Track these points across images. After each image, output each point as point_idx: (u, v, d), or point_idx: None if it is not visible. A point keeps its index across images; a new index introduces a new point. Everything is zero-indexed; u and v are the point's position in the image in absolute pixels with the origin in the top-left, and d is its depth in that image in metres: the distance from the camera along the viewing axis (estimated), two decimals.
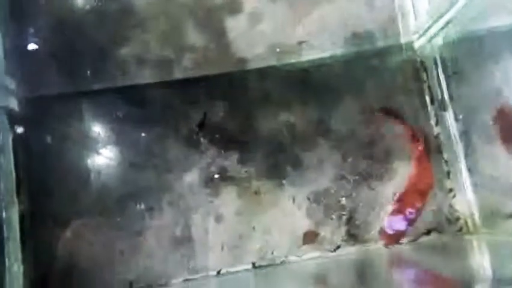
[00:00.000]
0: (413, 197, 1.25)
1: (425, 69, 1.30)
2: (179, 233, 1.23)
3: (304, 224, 1.25)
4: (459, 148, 1.26)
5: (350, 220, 1.26)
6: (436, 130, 1.29)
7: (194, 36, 1.30)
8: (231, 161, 1.27)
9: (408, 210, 1.24)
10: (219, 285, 1.22)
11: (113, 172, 1.25)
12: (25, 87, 1.24)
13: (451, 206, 1.26)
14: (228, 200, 1.25)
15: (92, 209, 1.23)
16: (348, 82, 1.31)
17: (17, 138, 1.21)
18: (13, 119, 1.21)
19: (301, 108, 1.29)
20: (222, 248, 1.23)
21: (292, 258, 1.24)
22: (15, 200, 1.18)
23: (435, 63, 1.28)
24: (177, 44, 1.30)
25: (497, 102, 1.16)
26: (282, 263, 1.23)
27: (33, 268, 1.18)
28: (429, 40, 1.28)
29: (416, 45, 1.31)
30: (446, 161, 1.28)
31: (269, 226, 1.25)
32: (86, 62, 1.27)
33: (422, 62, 1.31)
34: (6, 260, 1.12)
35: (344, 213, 1.26)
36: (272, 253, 1.24)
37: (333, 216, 1.26)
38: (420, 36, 1.29)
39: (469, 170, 1.24)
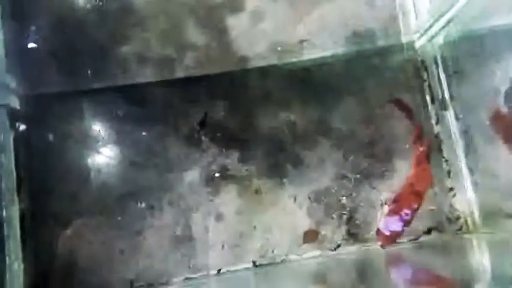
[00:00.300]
0: (409, 198, 1.25)
1: (426, 69, 1.31)
2: (179, 232, 1.23)
3: (305, 223, 1.25)
4: (459, 147, 1.26)
5: (350, 219, 1.26)
6: (437, 129, 1.29)
7: (195, 35, 1.30)
8: (231, 160, 1.27)
9: (405, 211, 1.24)
10: (220, 284, 1.22)
11: (113, 171, 1.25)
12: (26, 85, 1.24)
13: (451, 205, 1.26)
14: (229, 198, 1.25)
15: (93, 208, 1.23)
16: (349, 81, 1.31)
17: (17, 136, 1.21)
18: (14, 118, 1.21)
19: (302, 107, 1.29)
20: (223, 246, 1.23)
21: (292, 257, 1.24)
22: (16, 198, 1.18)
23: (436, 63, 1.28)
24: (178, 43, 1.30)
25: (492, 104, 1.16)
26: (283, 261, 1.23)
27: (33, 267, 1.18)
28: (430, 39, 1.28)
29: (417, 44, 1.31)
30: (446, 160, 1.28)
31: (270, 225, 1.25)
32: (87, 61, 1.27)
33: (422, 61, 1.31)
34: (7, 258, 1.12)
35: (344, 212, 1.26)
36: (273, 252, 1.24)
37: (334, 216, 1.26)
38: (421, 35, 1.29)
39: (469, 169, 1.24)
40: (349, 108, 1.30)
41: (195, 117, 1.28)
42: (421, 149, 1.27)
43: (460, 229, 1.25)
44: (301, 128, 1.29)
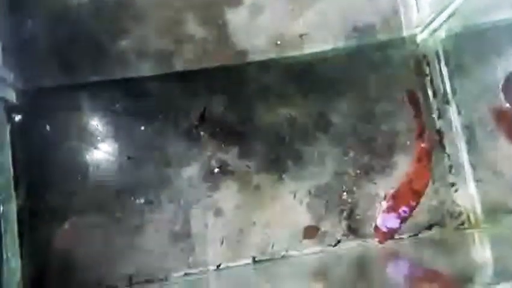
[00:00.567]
0: (408, 195, 1.24)
1: (428, 63, 1.29)
2: (178, 228, 1.22)
3: (305, 219, 1.24)
4: (461, 142, 1.25)
5: (350, 215, 1.25)
6: (439, 124, 1.28)
7: (194, 29, 1.29)
8: (231, 155, 1.26)
9: (403, 208, 1.23)
10: (219, 279, 1.22)
11: (111, 166, 1.24)
12: (23, 79, 1.23)
13: (453, 200, 1.26)
14: (228, 194, 1.24)
15: (91, 203, 1.22)
16: (350, 75, 1.30)
17: (14, 131, 1.20)
18: (11, 112, 1.20)
19: (302, 101, 1.28)
20: (222, 242, 1.23)
21: (292, 252, 1.23)
22: (13, 194, 1.17)
23: (438, 57, 1.27)
24: (177, 37, 1.28)
25: (494, 102, 1.16)
26: (283, 257, 1.23)
27: (31, 263, 1.17)
28: (432, 33, 1.27)
29: (419, 38, 1.30)
30: (448, 155, 1.27)
31: (269, 221, 1.24)
32: (85, 54, 1.25)
33: (424, 56, 1.30)
34: (4, 254, 1.11)
35: (344, 208, 1.25)
36: (272, 247, 1.23)
37: (334, 211, 1.25)
38: (423, 29, 1.28)
39: (472, 164, 1.24)
40: (349, 103, 1.29)
41: (194, 112, 1.26)
42: (422, 145, 1.26)
43: (462, 224, 1.25)
44: (301, 123, 1.28)
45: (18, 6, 1.25)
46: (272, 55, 1.29)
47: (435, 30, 1.25)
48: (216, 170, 1.25)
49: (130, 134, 1.25)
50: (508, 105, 1.20)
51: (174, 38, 1.28)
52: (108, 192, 1.22)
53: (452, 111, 1.26)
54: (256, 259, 1.23)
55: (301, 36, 1.30)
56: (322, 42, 1.30)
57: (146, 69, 1.27)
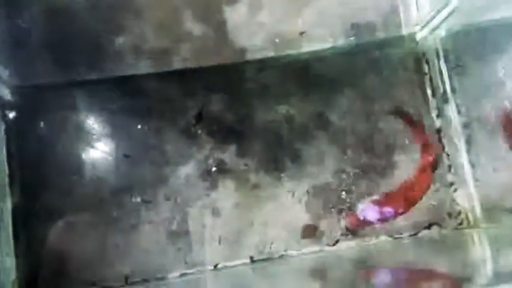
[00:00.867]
0: (399, 201, 1.23)
1: (427, 61, 1.29)
2: (175, 227, 1.21)
3: (304, 218, 1.24)
4: (461, 141, 1.24)
5: None
6: (438, 123, 1.28)
7: (192, 26, 1.28)
8: (229, 154, 1.25)
9: (388, 209, 1.21)
10: (217, 279, 1.21)
11: (108, 164, 1.23)
12: (18, 76, 1.22)
13: (452, 199, 1.25)
14: (226, 193, 1.24)
15: (87, 202, 1.21)
16: (349, 74, 1.29)
17: (9, 128, 1.19)
18: (5, 109, 1.19)
19: (301, 100, 1.27)
20: (220, 241, 1.22)
21: (291, 252, 1.22)
22: (8, 192, 1.16)
23: (438, 55, 1.26)
24: (174, 34, 1.27)
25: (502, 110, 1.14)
26: (281, 257, 1.22)
27: (26, 262, 1.16)
28: (432, 31, 1.26)
29: (418, 36, 1.30)
30: (447, 155, 1.27)
31: (267, 220, 1.23)
32: (81, 51, 1.24)
33: (424, 54, 1.29)
34: None
35: (343, 207, 1.24)
36: (270, 247, 1.22)
37: (333, 210, 1.24)
38: (423, 27, 1.27)
39: (471, 163, 1.23)
40: (348, 102, 1.28)
41: (191, 110, 1.26)
42: (430, 158, 1.25)
43: (461, 224, 1.24)
44: (300, 122, 1.27)
45: (13, 2, 1.24)
46: (271, 53, 1.28)
47: (434, 29, 1.25)
48: (214, 168, 1.24)
49: (127, 132, 1.24)
50: None
51: (172, 35, 1.27)
52: (104, 191, 1.21)
53: (452, 110, 1.26)
54: (254, 259, 1.22)
55: (300, 34, 1.29)
56: (321, 40, 1.29)
57: (143, 67, 1.25)
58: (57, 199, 1.20)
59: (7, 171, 1.17)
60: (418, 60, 1.29)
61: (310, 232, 1.23)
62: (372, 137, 1.27)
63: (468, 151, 1.23)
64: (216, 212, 1.23)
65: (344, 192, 1.25)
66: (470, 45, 1.23)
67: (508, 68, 1.16)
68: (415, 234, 1.24)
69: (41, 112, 1.22)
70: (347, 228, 1.22)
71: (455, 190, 1.25)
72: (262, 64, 1.28)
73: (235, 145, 1.25)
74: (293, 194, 1.24)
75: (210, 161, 1.25)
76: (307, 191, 1.24)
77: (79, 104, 1.24)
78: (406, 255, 1.23)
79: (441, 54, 1.26)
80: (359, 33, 1.30)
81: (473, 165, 1.23)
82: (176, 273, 1.20)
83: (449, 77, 1.25)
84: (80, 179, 1.21)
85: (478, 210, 1.22)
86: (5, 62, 1.20)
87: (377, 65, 1.29)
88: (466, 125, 1.24)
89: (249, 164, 1.25)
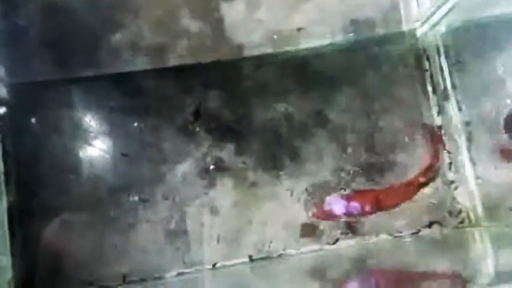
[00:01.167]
0: (368, 200, 1.20)
1: (428, 58, 1.28)
2: (173, 226, 1.21)
3: (303, 217, 1.22)
4: (462, 139, 1.23)
5: None
6: (438, 120, 1.26)
7: (189, 23, 1.27)
8: (227, 152, 1.24)
9: (355, 204, 1.19)
10: (215, 278, 1.20)
11: (105, 163, 1.22)
12: (14, 73, 1.21)
13: (453, 198, 1.24)
14: (224, 192, 1.23)
15: (84, 201, 1.20)
16: (348, 71, 1.28)
17: (5, 126, 1.18)
18: (1, 106, 1.18)
19: (300, 97, 1.26)
20: (218, 240, 1.21)
21: (290, 251, 1.21)
22: (4, 190, 1.15)
23: (438, 52, 1.25)
24: (172, 31, 1.26)
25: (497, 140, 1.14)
26: (280, 256, 1.21)
27: (22, 261, 1.15)
28: (432, 28, 1.25)
29: (418, 32, 1.28)
30: (448, 152, 1.25)
31: (266, 219, 1.22)
32: (77, 48, 1.23)
33: (424, 50, 1.28)
34: None
35: None
36: (269, 246, 1.21)
37: None
38: (423, 23, 1.26)
39: (472, 161, 1.22)
40: (348, 99, 1.27)
41: (189, 108, 1.25)
42: (421, 179, 1.22)
43: (462, 222, 1.23)
44: (299, 120, 1.26)
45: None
46: (269, 50, 1.27)
47: (435, 25, 1.24)
48: (212, 166, 1.23)
49: (124, 130, 1.23)
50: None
51: (169, 32, 1.26)
52: (101, 189, 1.20)
53: (452, 107, 1.25)
54: (252, 258, 1.21)
55: (298, 30, 1.28)
56: (320, 37, 1.28)
57: (140, 63, 1.25)
58: (54, 198, 1.19)
59: (3, 169, 1.16)
60: (418, 56, 1.28)
61: (310, 231, 1.22)
62: (372, 135, 1.26)
63: (469, 148, 1.22)
64: (214, 211, 1.22)
65: (343, 191, 1.24)
66: (470, 42, 1.22)
67: (508, 65, 1.15)
68: (416, 233, 1.23)
69: (37, 110, 1.21)
70: (313, 214, 1.20)
71: (456, 188, 1.24)
72: (260, 61, 1.27)
73: (234, 143, 1.24)
74: (292, 193, 1.23)
75: (208, 159, 1.24)
76: (306, 189, 1.23)
77: (76, 102, 1.23)
78: (406, 254, 1.22)
79: (441, 50, 1.25)
80: (358, 29, 1.29)
81: (474, 163, 1.22)
82: (174, 273, 1.19)
83: (450, 73, 1.24)
84: (77, 177, 1.20)
85: (479, 209, 1.21)
86: (1, 59, 1.19)
87: (376, 62, 1.28)
88: (466, 122, 1.23)
89: (247, 162, 1.24)
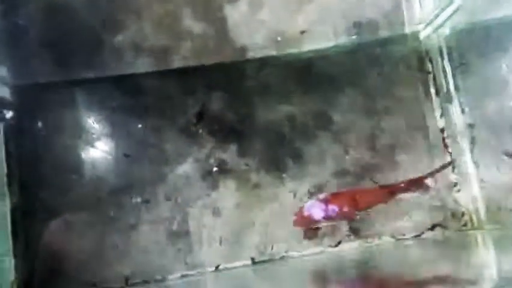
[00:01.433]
0: (346, 200, 1.17)
1: (431, 60, 1.28)
2: (176, 227, 1.20)
3: None
4: (464, 141, 1.23)
5: None
6: (441, 122, 1.26)
7: (192, 24, 1.27)
8: (230, 154, 1.24)
9: (333, 207, 1.17)
10: (217, 281, 1.20)
11: (107, 164, 1.22)
12: (16, 75, 1.21)
13: (455, 200, 1.24)
14: (227, 193, 1.22)
15: (86, 202, 1.20)
16: (351, 73, 1.28)
17: (7, 127, 1.17)
18: (3, 108, 1.18)
19: (302, 99, 1.26)
20: (220, 242, 1.20)
21: (292, 253, 1.21)
22: (6, 191, 1.15)
23: (441, 54, 1.25)
24: (174, 32, 1.26)
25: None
26: (282, 258, 1.21)
27: (24, 262, 1.15)
28: (435, 30, 1.25)
29: (422, 35, 1.28)
30: (450, 154, 1.25)
31: (269, 221, 1.22)
32: (80, 49, 1.23)
33: (427, 53, 1.28)
34: None
35: None
36: (272, 248, 1.21)
37: None
38: (426, 25, 1.26)
39: (475, 163, 1.22)
40: (350, 101, 1.27)
41: (192, 109, 1.24)
42: (401, 186, 1.19)
43: (465, 225, 1.23)
44: (302, 121, 1.26)
45: (11, 1, 1.23)
46: (272, 52, 1.27)
47: (438, 27, 1.24)
48: (215, 168, 1.23)
49: (127, 131, 1.23)
50: None
51: (172, 33, 1.26)
52: (104, 190, 1.20)
53: (455, 109, 1.24)
54: (255, 260, 1.20)
55: (301, 32, 1.28)
56: (323, 38, 1.28)
57: (143, 65, 1.24)
58: (57, 199, 1.19)
59: (5, 170, 1.15)
60: (421, 58, 1.28)
61: (312, 233, 1.22)
62: (375, 136, 1.26)
63: (471, 151, 1.22)
64: (216, 212, 1.22)
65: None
66: (473, 44, 1.21)
67: (511, 67, 1.14)
68: (418, 235, 1.22)
69: (39, 111, 1.21)
70: (294, 222, 1.19)
71: (459, 191, 1.24)
72: (264, 63, 1.27)
73: (236, 144, 1.24)
74: (295, 194, 1.23)
75: (211, 161, 1.23)
76: (309, 191, 1.23)
77: (78, 103, 1.23)
78: (409, 256, 1.21)
79: (445, 52, 1.25)
80: (361, 31, 1.28)
81: (477, 165, 1.21)
82: (177, 275, 1.19)
83: (453, 75, 1.24)
84: (79, 178, 1.20)
85: (482, 211, 1.21)
86: (3, 60, 1.19)
87: (379, 64, 1.28)
88: (469, 124, 1.22)
89: (250, 164, 1.24)
